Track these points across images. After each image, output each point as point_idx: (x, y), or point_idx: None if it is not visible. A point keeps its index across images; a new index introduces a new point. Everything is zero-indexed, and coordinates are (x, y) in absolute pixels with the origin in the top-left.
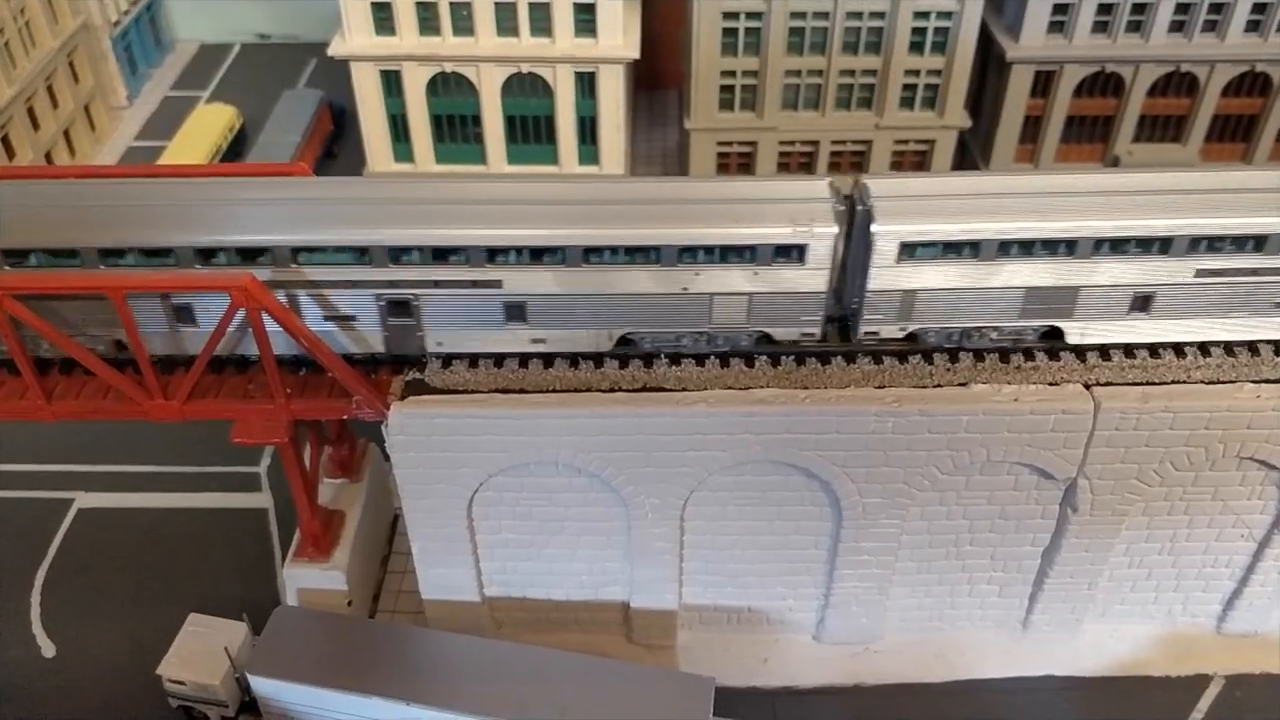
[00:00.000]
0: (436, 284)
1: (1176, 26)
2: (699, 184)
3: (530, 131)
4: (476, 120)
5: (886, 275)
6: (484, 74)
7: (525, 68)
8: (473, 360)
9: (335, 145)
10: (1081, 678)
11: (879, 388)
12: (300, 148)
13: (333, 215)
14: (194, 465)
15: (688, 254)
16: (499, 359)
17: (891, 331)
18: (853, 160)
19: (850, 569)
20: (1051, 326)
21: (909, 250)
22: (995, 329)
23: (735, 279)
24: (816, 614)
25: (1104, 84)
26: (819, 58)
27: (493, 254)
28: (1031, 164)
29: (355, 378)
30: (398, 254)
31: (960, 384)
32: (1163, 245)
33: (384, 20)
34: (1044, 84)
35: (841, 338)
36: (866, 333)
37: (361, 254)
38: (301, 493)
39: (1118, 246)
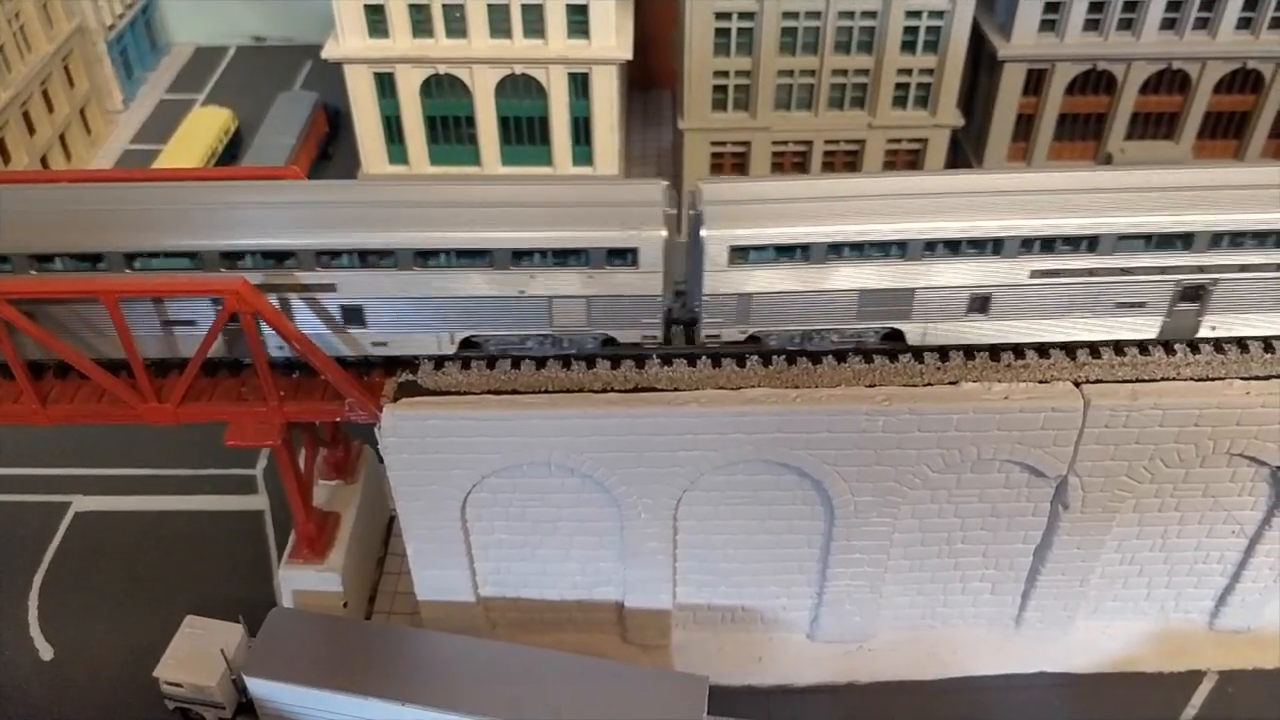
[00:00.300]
0: (274, 288)
1: (1168, 24)
2: (537, 187)
3: (525, 133)
4: (471, 121)
5: (721, 279)
6: (477, 76)
7: (519, 69)
8: (465, 362)
9: (330, 147)
10: (1074, 674)
11: (869, 387)
12: (295, 150)
13: (174, 221)
14: (189, 468)
15: (521, 257)
16: (491, 360)
17: (732, 334)
18: (846, 160)
19: (843, 567)
20: (892, 328)
21: (741, 254)
22: (835, 331)
23: (571, 282)
24: (810, 612)
25: (1096, 82)
26: (811, 57)
27: (324, 257)
28: (1025, 162)
29: (347, 380)
30: (232, 259)
31: (950, 382)
32: (995, 246)
33: (377, 23)
34: (1036, 82)
35: (689, 340)
36: (708, 335)
37: (193, 258)
38: (296, 495)
39: (950, 248)
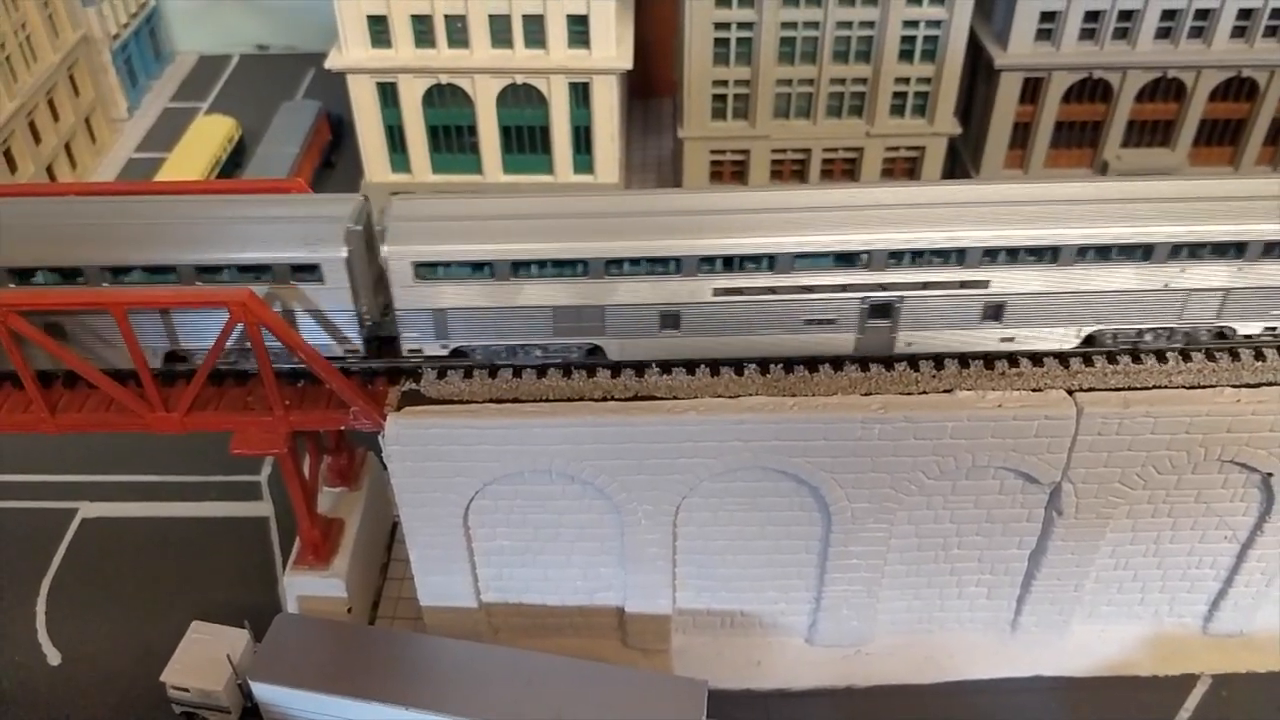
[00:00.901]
0: None
1: (1163, 33)
2: (232, 204)
3: (526, 141)
4: (473, 130)
5: (410, 294)
6: (479, 85)
7: (520, 79)
8: (467, 371)
9: (334, 155)
10: (1069, 678)
11: (866, 395)
12: (299, 158)
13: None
14: (196, 475)
15: (207, 273)
16: (493, 369)
17: (434, 348)
18: (845, 168)
19: (840, 573)
20: (593, 344)
21: (429, 270)
22: (538, 347)
23: (266, 297)
24: (808, 617)
25: (1092, 90)
26: (810, 66)
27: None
28: (1022, 170)
29: (352, 389)
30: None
31: (945, 390)
32: (676, 265)
33: (380, 33)
34: (1033, 90)
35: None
36: (410, 350)
37: None
38: (301, 501)
39: (634, 267)
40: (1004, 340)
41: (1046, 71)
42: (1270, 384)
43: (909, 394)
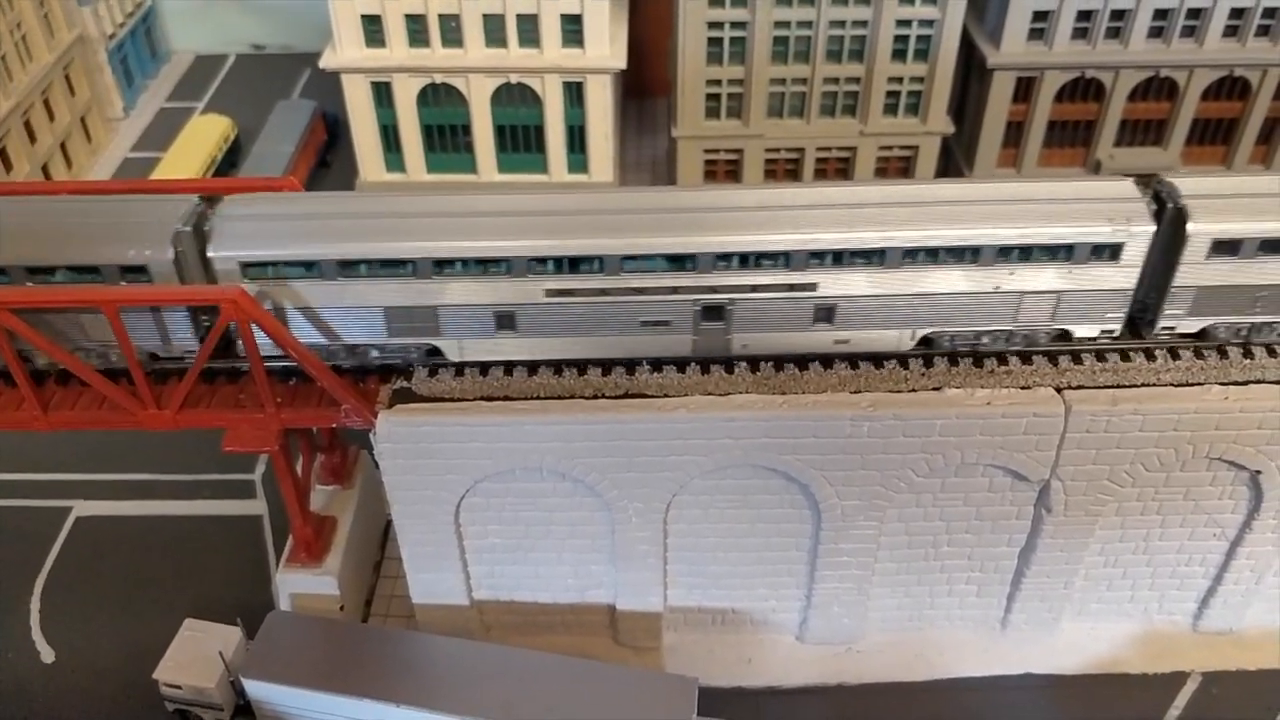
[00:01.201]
0: None
1: (1155, 32)
2: (75, 204)
3: (520, 141)
4: (467, 130)
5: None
6: (473, 85)
7: (514, 78)
8: (459, 369)
9: (329, 154)
10: (1060, 676)
11: (855, 393)
12: (294, 158)
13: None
14: (189, 473)
15: (40, 274)
16: (484, 367)
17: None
18: (839, 166)
19: (830, 570)
20: (431, 345)
21: (258, 270)
22: (375, 347)
23: None
24: (799, 615)
25: (1085, 89)
26: (803, 66)
27: None
28: (1015, 168)
29: (343, 387)
30: None
31: (934, 388)
32: (507, 266)
33: (374, 33)
34: (1025, 90)
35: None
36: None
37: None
38: (293, 499)
39: (463, 267)
40: (838, 342)
41: (1039, 71)
42: (1258, 381)
43: (898, 392)
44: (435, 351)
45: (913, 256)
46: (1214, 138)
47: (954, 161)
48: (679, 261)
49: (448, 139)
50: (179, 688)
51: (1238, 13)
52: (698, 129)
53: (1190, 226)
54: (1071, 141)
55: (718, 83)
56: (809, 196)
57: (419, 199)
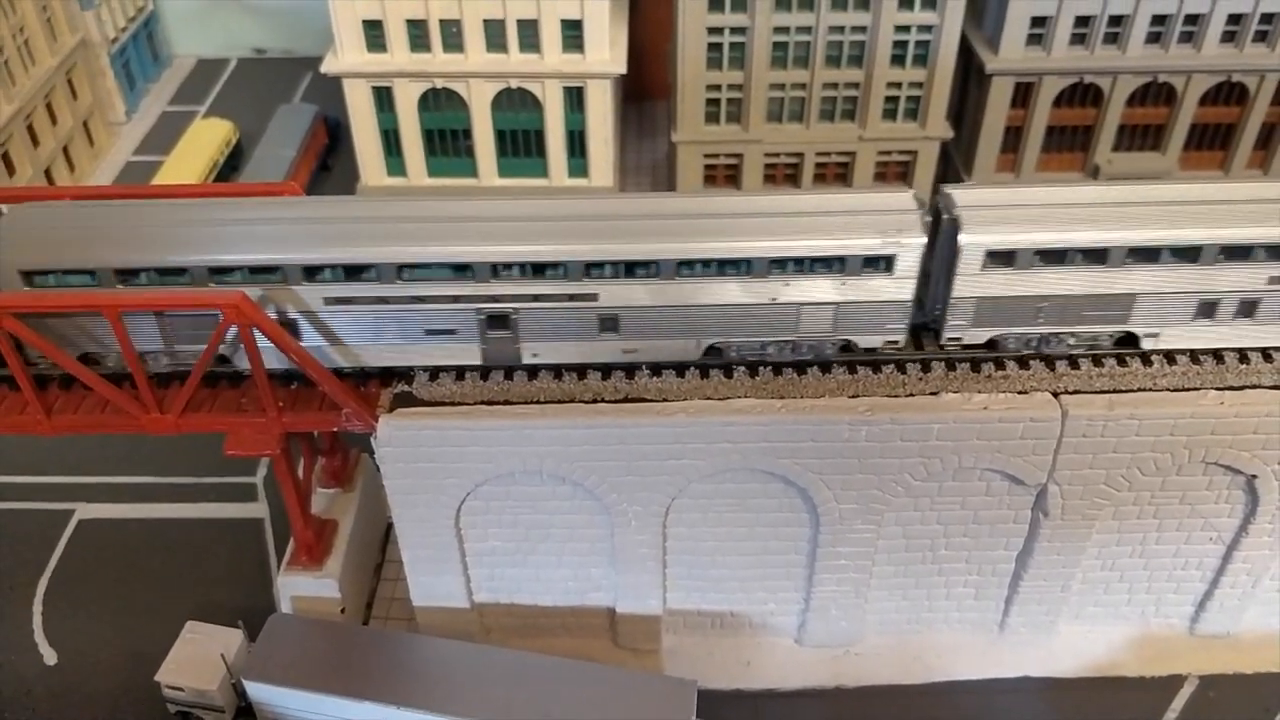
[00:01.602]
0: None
1: (1153, 38)
2: None
3: (520, 145)
4: (468, 134)
5: None
6: (474, 89)
7: (514, 83)
8: (459, 373)
9: (330, 159)
10: (1057, 679)
11: (853, 397)
12: (295, 162)
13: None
14: (191, 476)
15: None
16: (484, 371)
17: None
18: (838, 171)
19: (829, 573)
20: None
21: (42, 279)
22: (165, 354)
23: None
24: (797, 618)
25: (1083, 94)
26: (803, 71)
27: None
28: (1013, 173)
29: (344, 391)
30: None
31: (931, 393)
32: (283, 275)
33: (376, 38)
34: (1024, 95)
35: None
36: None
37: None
38: (295, 503)
39: (241, 275)
40: (626, 352)
41: (1037, 76)
42: (1254, 386)
43: (895, 396)
44: (224, 360)
45: (689, 268)
46: (1212, 143)
47: (953, 166)
48: (461, 270)
49: (448, 143)
50: (181, 690)
51: (1235, 18)
52: (697, 134)
53: (962, 238)
54: (1070, 146)
55: (717, 88)
56: (594, 208)
57: (208, 208)
